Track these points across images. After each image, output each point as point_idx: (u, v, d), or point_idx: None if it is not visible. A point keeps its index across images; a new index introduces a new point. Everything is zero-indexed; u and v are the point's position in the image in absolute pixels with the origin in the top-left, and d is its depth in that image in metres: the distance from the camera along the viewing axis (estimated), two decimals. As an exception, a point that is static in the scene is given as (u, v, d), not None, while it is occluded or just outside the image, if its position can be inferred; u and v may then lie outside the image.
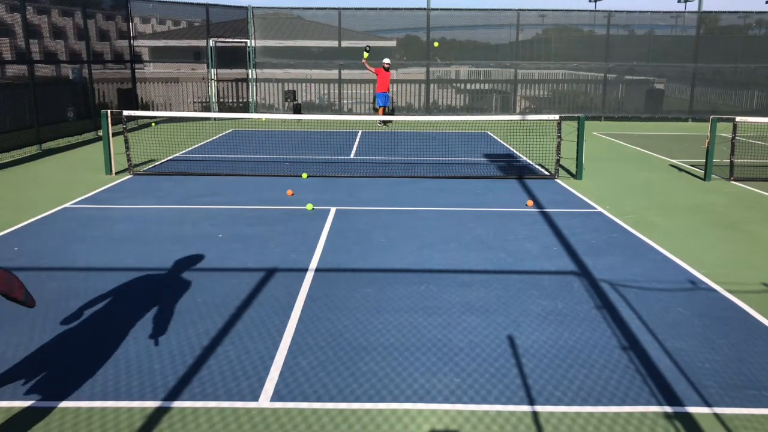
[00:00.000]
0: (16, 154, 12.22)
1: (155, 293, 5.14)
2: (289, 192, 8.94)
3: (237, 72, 20.34)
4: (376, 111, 18.22)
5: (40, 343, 4.20)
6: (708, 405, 3.54)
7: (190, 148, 13.41)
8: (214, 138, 15.31)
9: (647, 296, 5.18)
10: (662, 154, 13.45)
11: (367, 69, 17.87)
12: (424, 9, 20.56)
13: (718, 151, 10.62)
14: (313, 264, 5.89)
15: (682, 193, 9.47)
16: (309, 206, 8.10)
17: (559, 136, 10.56)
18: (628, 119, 20.98)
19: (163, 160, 11.79)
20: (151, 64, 21.16)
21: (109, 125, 10.26)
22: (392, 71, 19.22)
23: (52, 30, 16.31)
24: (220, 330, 4.45)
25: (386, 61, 18.01)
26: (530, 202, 8.57)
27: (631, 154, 13.43)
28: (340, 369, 3.90)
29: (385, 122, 17.86)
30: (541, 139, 12.54)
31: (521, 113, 20.75)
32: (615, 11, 20.98)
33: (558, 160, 10.57)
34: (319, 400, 3.55)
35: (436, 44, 19.26)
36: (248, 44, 20.30)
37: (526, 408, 3.50)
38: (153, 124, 17.23)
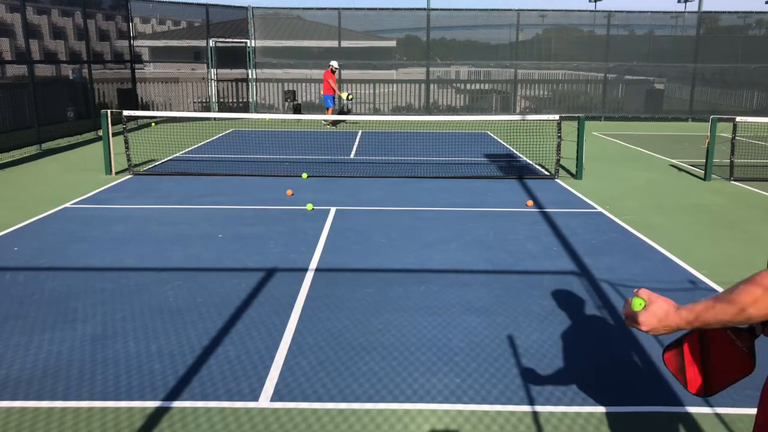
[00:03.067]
0: (16, 154, 12.22)
1: (155, 293, 5.14)
2: (289, 192, 8.94)
3: (237, 72, 20.33)
4: (340, 112, 18.21)
5: (40, 343, 4.20)
6: (708, 405, 3.54)
7: (190, 148, 13.40)
8: (214, 138, 15.30)
9: (647, 296, 5.17)
10: (662, 154, 13.45)
11: (332, 85, 17.87)
12: (424, 9, 20.55)
13: (718, 151, 10.62)
14: (313, 264, 5.89)
15: (682, 193, 9.47)
16: (309, 206, 8.10)
17: (559, 136, 10.56)
18: (628, 119, 20.97)
19: (163, 160, 11.79)
20: (151, 64, 21.18)
21: (109, 125, 10.26)
22: (393, 72, 19.22)
23: (52, 30, 16.33)
24: (220, 330, 4.45)
25: (334, 64, 17.97)
26: (530, 202, 8.57)
27: (631, 154, 13.43)
28: (340, 369, 3.90)
29: (333, 123, 17.99)
30: (541, 139, 12.53)
31: (521, 113, 20.74)
32: (615, 11, 20.97)
33: (558, 160, 10.57)
34: (319, 400, 3.55)
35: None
36: (248, 44, 20.30)
37: (526, 408, 3.50)
38: (153, 124, 17.22)
